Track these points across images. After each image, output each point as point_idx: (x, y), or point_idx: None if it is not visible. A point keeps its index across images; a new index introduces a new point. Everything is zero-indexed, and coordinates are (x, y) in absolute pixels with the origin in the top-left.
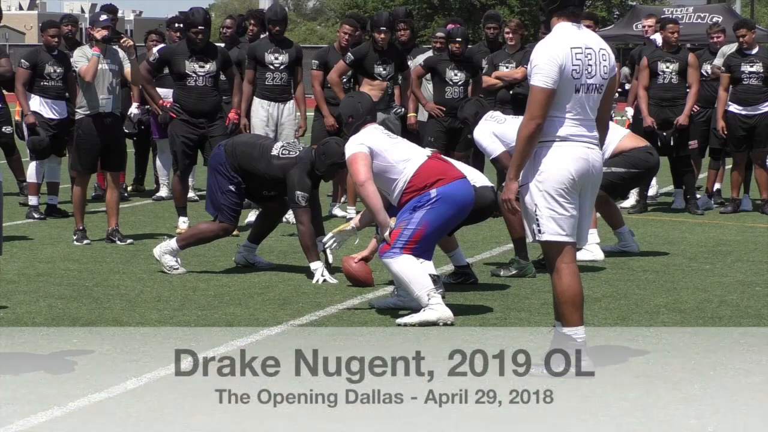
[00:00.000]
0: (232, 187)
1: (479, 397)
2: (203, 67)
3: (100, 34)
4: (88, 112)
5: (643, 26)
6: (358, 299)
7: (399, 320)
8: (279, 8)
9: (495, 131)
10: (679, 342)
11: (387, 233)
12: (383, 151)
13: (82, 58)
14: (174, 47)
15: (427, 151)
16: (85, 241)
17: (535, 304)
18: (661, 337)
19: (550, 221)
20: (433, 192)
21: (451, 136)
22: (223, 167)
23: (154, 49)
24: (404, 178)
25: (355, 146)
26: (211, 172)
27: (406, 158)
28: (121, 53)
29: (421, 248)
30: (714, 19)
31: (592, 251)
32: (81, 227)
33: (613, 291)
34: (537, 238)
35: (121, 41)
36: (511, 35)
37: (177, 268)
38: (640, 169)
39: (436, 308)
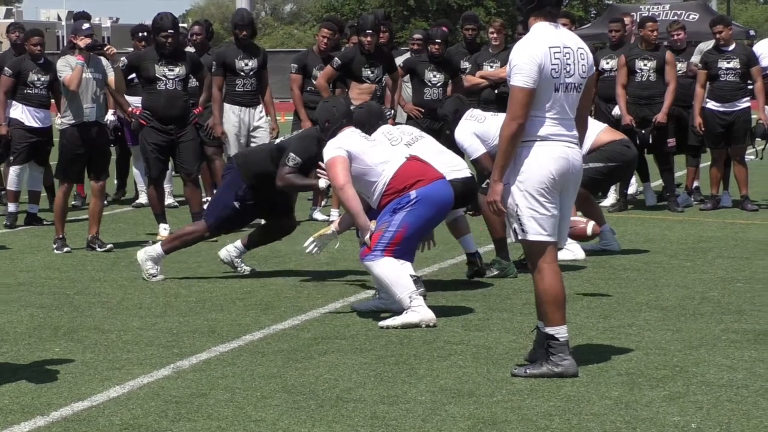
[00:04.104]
0: (236, 204)
1: (462, 398)
2: (172, 70)
3: (83, 42)
4: (73, 121)
5: (630, 21)
6: (339, 303)
7: (381, 323)
8: (246, 13)
9: (476, 131)
10: (661, 339)
11: (367, 237)
12: (361, 154)
13: (66, 67)
14: (142, 53)
15: (406, 153)
16: (66, 249)
17: (517, 305)
18: (644, 334)
19: (532, 221)
20: (413, 193)
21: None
22: (235, 181)
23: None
24: (383, 180)
25: (333, 150)
26: (223, 183)
27: (384, 160)
28: (105, 62)
29: (401, 250)
30: (691, 17)
31: (573, 250)
32: (61, 236)
33: (595, 289)
34: (519, 238)
35: (105, 49)
36: (495, 35)
37: (156, 276)
38: (618, 162)
39: (418, 310)
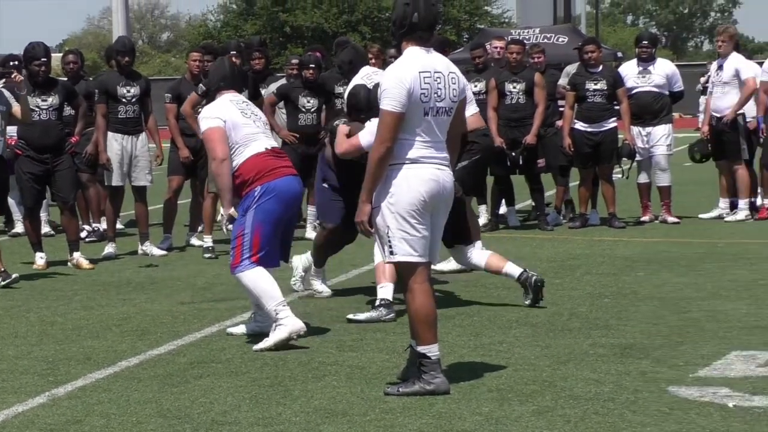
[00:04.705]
0: (324, 185)
1: (336, 417)
2: (45, 100)
3: None
4: None
5: (495, 47)
6: (215, 327)
7: (255, 346)
8: (127, 40)
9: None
10: (530, 355)
11: (226, 220)
12: (234, 128)
13: None
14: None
15: (268, 144)
16: None
17: (390, 325)
18: (514, 351)
19: (402, 242)
20: (258, 189)
21: (306, 163)
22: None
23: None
24: (236, 162)
25: (212, 120)
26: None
27: (245, 143)
28: (6, 93)
29: (267, 254)
30: (560, 39)
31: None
32: None
33: (467, 308)
34: (389, 259)
35: (12, 77)
36: (374, 60)
37: (322, 292)
38: (478, 154)
39: (285, 322)
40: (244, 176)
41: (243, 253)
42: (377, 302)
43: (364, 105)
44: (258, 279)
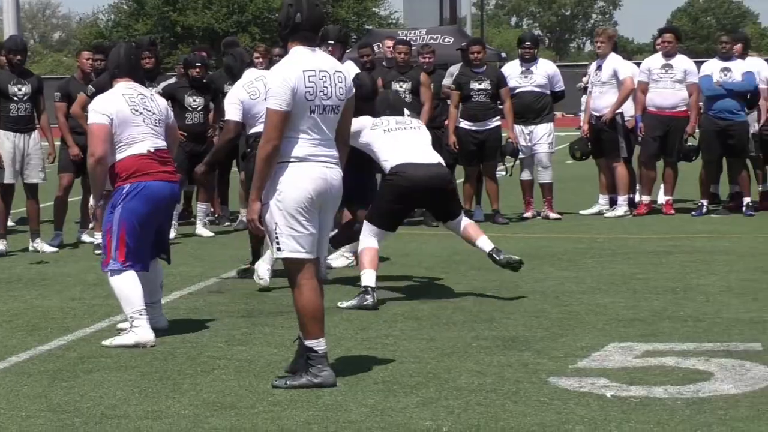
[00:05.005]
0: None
1: (225, 410)
2: None
3: None
4: None
5: (388, 47)
6: (105, 322)
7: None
8: (19, 39)
9: (244, 101)
10: (416, 348)
11: (91, 214)
12: (120, 125)
13: None
14: None
15: (154, 146)
16: None
17: (279, 319)
18: (399, 344)
19: (290, 239)
20: (126, 187)
21: (194, 160)
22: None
23: None
24: (117, 157)
25: (99, 115)
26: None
27: (129, 143)
28: None
29: (134, 255)
30: (446, 40)
31: (347, 256)
32: None
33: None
34: (276, 255)
35: None
36: (261, 59)
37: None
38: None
39: (137, 331)
40: (120, 173)
41: (111, 251)
42: (360, 289)
43: (371, 93)
44: (122, 284)
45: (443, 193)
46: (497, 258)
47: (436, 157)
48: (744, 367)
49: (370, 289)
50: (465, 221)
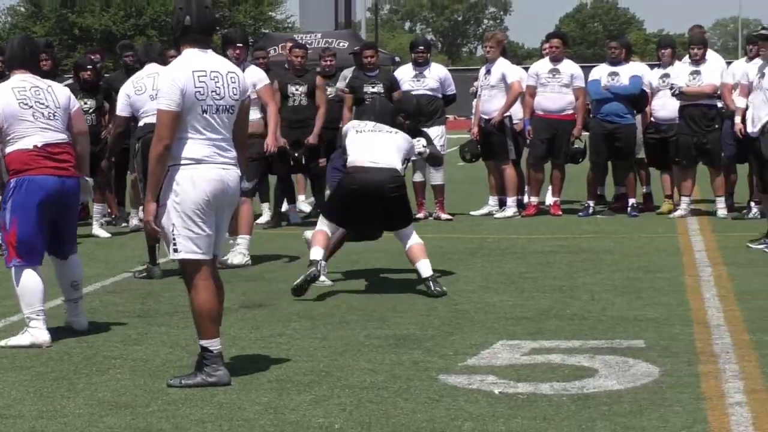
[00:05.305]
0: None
1: (120, 409)
2: None
3: None
4: None
5: (287, 48)
6: (0, 323)
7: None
8: None
9: (131, 95)
10: (309, 347)
11: None
12: (8, 119)
13: None
14: None
15: (43, 141)
16: None
17: (174, 319)
18: (293, 343)
19: (187, 240)
20: (12, 182)
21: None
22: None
23: None
24: (6, 150)
25: None
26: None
27: (15, 137)
28: None
29: (27, 250)
30: (341, 44)
31: (244, 253)
32: None
33: (248, 302)
34: (172, 256)
35: None
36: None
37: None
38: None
39: (33, 332)
40: (9, 168)
41: (13, 250)
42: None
43: (412, 111)
44: (23, 282)
45: (386, 200)
46: (431, 288)
47: (392, 163)
48: (627, 364)
49: (315, 262)
50: (413, 240)
